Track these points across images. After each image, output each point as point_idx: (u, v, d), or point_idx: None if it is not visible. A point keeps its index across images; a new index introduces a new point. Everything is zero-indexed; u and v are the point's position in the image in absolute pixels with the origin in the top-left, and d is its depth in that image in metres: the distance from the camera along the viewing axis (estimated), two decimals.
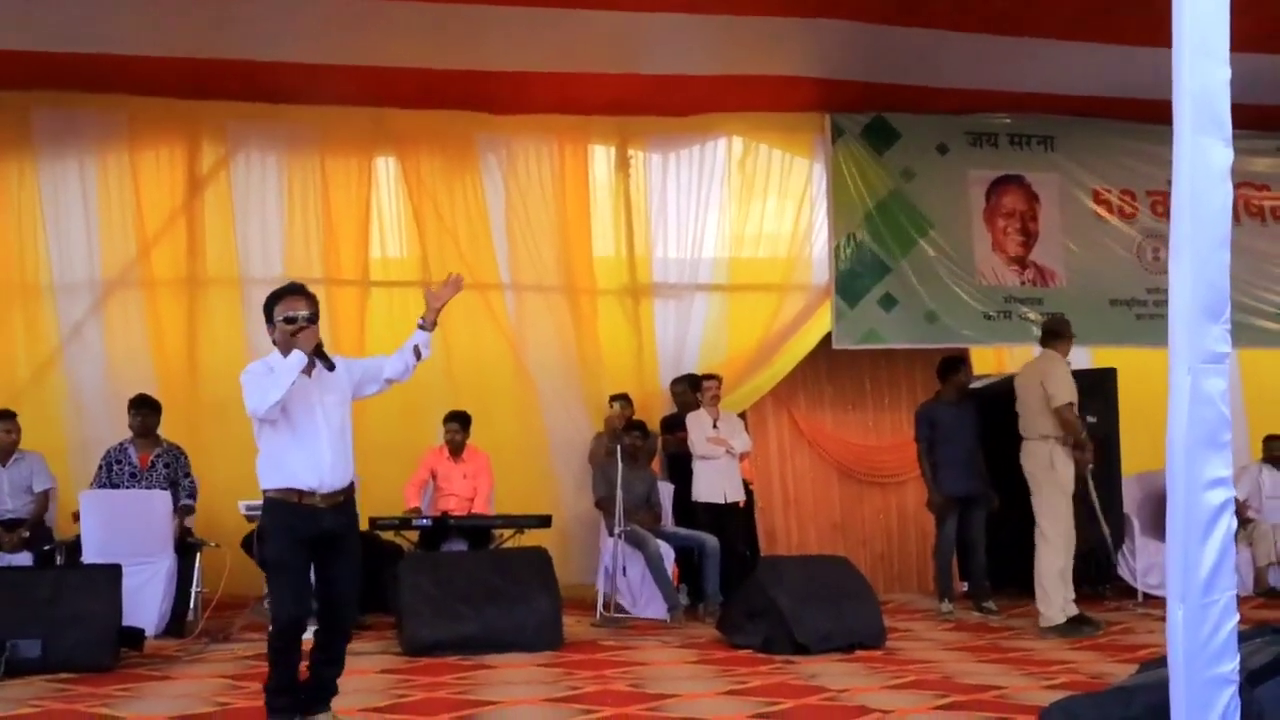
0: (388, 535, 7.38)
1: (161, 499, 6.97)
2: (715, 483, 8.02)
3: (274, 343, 4.32)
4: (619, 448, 7.51)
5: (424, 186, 8.79)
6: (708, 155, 9.17)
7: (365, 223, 8.75)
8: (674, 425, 8.45)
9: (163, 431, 7.49)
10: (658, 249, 9.15)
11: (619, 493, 7.34)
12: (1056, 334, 7.31)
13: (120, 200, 8.44)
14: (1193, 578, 2.84)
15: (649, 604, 7.55)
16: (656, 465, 8.51)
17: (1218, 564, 2.85)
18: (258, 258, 8.58)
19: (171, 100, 8.36)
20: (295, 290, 4.38)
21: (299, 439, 4.24)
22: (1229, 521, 2.88)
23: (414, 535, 7.52)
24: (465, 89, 8.38)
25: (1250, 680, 3.09)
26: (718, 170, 9.17)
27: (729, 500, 8.04)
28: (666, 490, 8.25)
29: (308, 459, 4.23)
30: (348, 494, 4.35)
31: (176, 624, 6.72)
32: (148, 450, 7.33)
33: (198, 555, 6.98)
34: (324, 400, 4.29)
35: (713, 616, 7.21)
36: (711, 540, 7.66)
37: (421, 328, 4.49)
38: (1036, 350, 7.71)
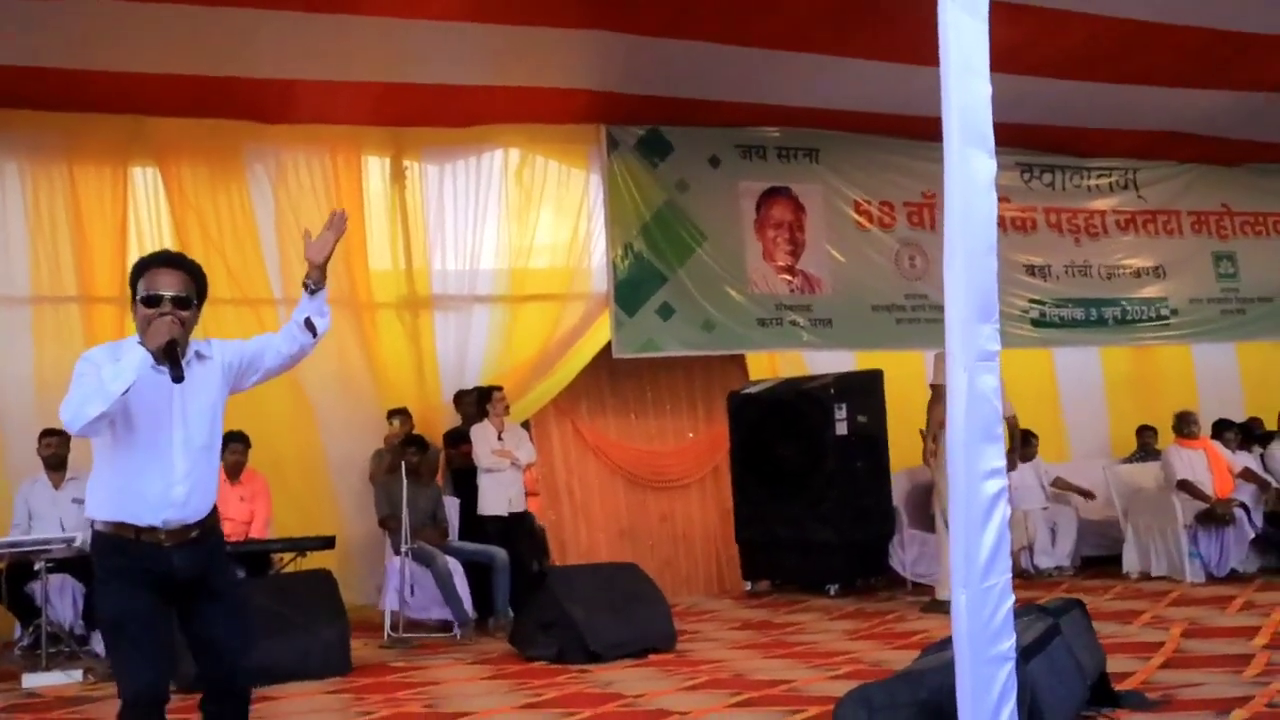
0: None
1: None
2: (500, 495, 7.98)
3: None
4: (402, 464, 7.35)
5: (186, 198, 8.35)
6: (484, 166, 9.10)
7: (122, 236, 8.22)
8: (458, 439, 8.34)
9: None
10: (436, 261, 9.00)
11: (404, 510, 7.18)
12: None
13: None
14: (973, 563, 3.00)
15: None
16: (441, 480, 8.38)
17: (995, 549, 3.02)
18: None
19: None
20: (162, 260, 3.31)
21: (146, 459, 3.17)
22: (1004, 509, 3.06)
23: None
24: (230, 97, 8.01)
25: (1023, 656, 3.32)
26: (495, 181, 9.10)
27: (514, 511, 8.01)
28: (452, 505, 8.13)
29: (153, 489, 3.16)
30: (203, 527, 3.27)
31: None
32: None
33: None
34: (186, 409, 3.21)
35: (504, 630, 7.15)
36: (501, 554, 7.61)
37: (308, 290, 3.39)
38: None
